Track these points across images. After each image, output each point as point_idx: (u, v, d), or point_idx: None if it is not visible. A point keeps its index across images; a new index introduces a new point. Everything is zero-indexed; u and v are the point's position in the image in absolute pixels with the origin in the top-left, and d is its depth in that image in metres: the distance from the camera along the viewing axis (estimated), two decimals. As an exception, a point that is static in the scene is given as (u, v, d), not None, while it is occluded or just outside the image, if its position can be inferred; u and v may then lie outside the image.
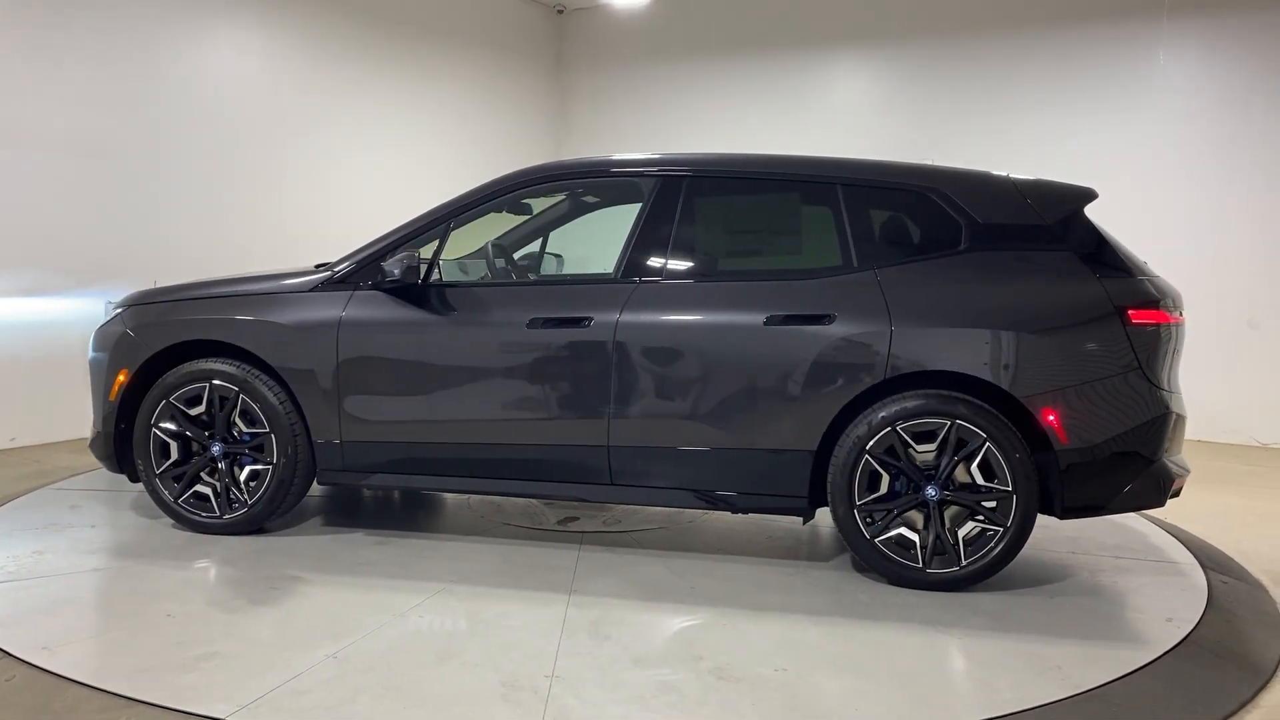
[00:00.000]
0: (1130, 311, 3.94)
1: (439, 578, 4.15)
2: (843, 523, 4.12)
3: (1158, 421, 3.97)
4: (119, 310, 4.92)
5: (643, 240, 4.40)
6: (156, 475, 4.67)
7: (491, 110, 10.10)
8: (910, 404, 4.01)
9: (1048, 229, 4.10)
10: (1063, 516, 4.05)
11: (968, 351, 3.99)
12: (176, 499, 4.68)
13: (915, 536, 4.07)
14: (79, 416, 6.93)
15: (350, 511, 5.32)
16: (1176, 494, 4.11)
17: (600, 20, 10.54)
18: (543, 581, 4.12)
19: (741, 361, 4.16)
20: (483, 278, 4.98)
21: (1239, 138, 7.55)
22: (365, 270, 4.54)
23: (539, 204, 5.20)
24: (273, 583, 4.07)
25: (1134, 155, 7.88)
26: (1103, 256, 4.06)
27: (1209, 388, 7.54)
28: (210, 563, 4.32)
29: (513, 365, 4.36)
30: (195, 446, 4.69)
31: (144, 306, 4.88)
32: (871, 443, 4.03)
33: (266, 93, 8.10)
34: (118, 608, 3.86)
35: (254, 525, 4.65)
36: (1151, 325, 3.96)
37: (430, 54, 9.47)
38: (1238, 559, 4.72)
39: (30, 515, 4.99)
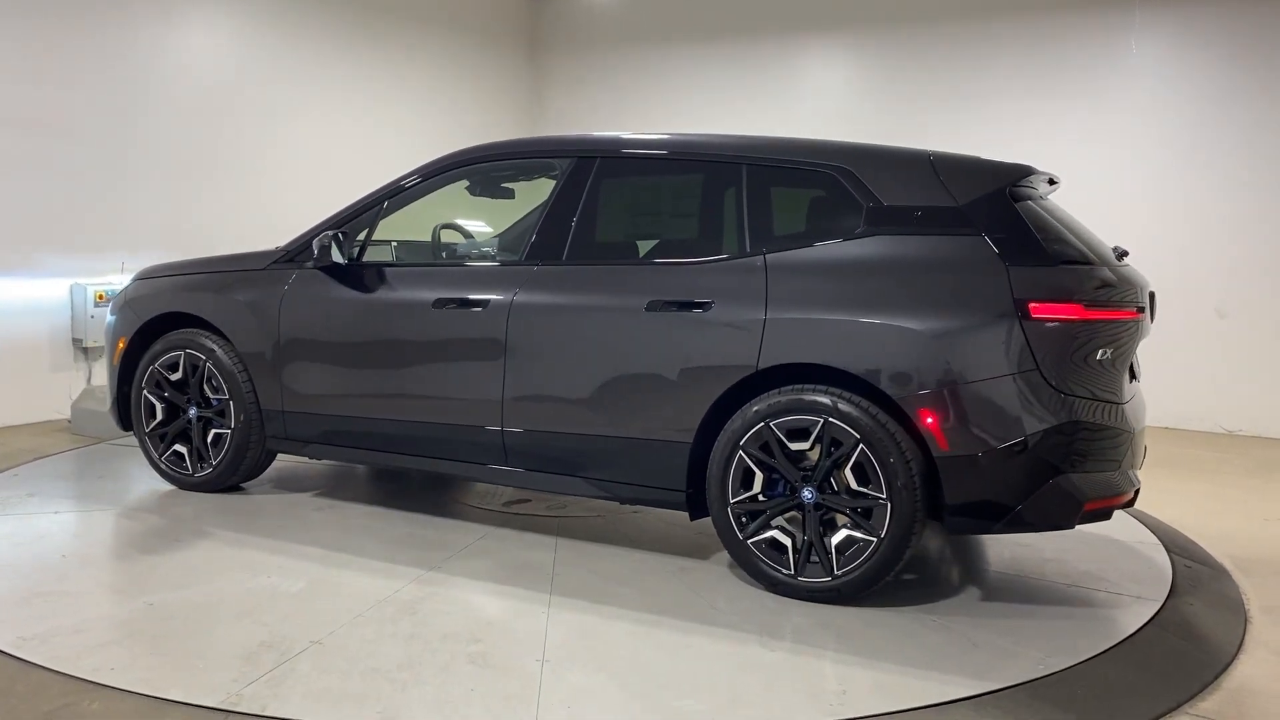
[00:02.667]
0: (1031, 305, 3.41)
1: (327, 545, 4.25)
2: (717, 521, 3.84)
3: (1061, 431, 3.41)
4: (131, 282, 5.30)
5: (548, 223, 4.25)
6: (146, 434, 5.05)
7: (466, 95, 9.95)
8: (784, 398, 3.66)
9: (957, 211, 3.61)
10: (949, 530, 3.63)
11: (841, 344, 3.59)
12: (160, 456, 5.02)
13: (788, 541, 3.69)
14: (43, 399, 6.85)
15: (342, 480, 5.42)
16: (1104, 516, 3.63)
17: (576, 4, 10.44)
18: (416, 558, 4.10)
19: (623, 348, 3.96)
20: (418, 259, 4.94)
21: (1210, 127, 7.54)
22: (308, 249, 4.65)
23: (526, 188, 5.03)
24: (178, 535, 4.36)
25: (1106, 144, 7.86)
26: (1020, 242, 3.53)
27: (1177, 376, 7.46)
28: (150, 514, 4.72)
29: (420, 345, 4.38)
30: (179, 410, 5.00)
31: (144, 280, 5.23)
32: (745, 438, 3.71)
33: (237, 75, 7.87)
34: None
35: (221, 484, 4.91)
36: (1056, 321, 3.42)
37: (404, 37, 9.25)
38: (1202, 544, 4.64)
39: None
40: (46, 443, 6.15)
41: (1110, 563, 4.30)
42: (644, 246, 4.38)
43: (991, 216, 3.60)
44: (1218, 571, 4.33)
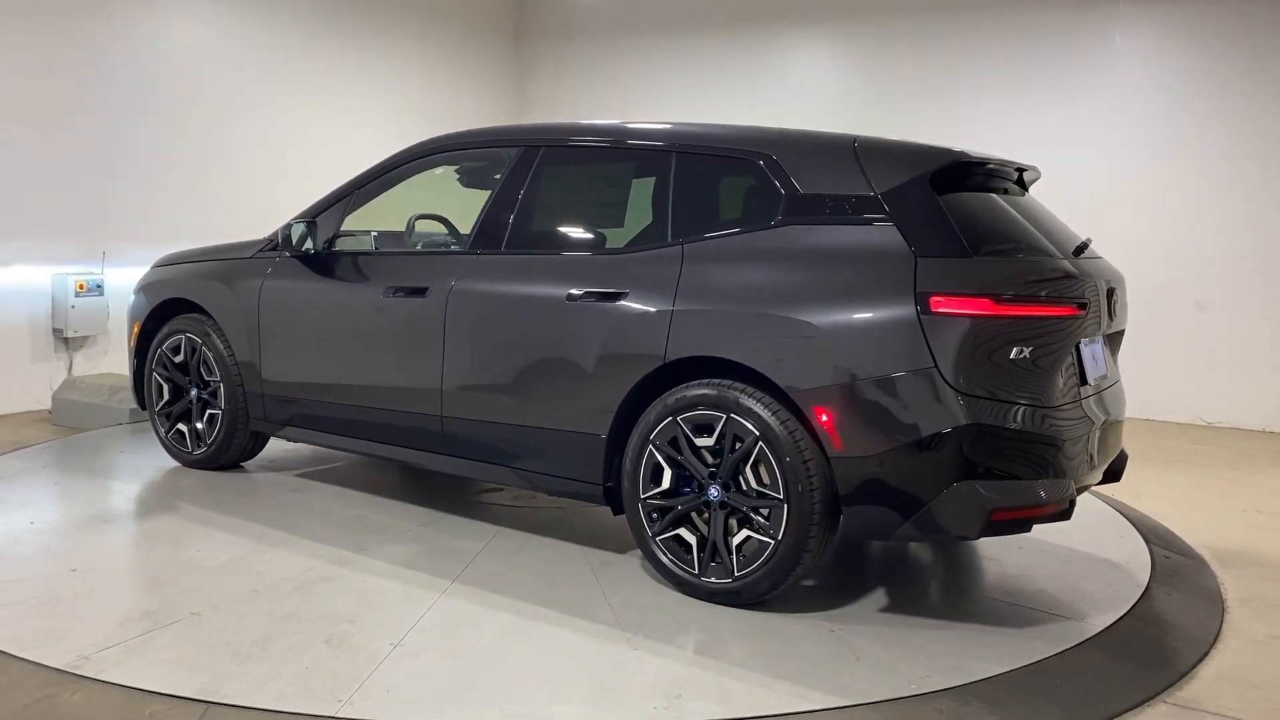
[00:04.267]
0: (933, 298, 3.18)
1: (273, 523, 4.40)
2: (630, 517, 3.74)
3: (961, 435, 3.16)
4: (150, 269, 5.56)
5: (491, 212, 4.25)
6: (155, 413, 5.32)
7: (448, 84, 9.87)
8: (689, 393, 3.54)
9: (874, 199, 3.41)
10: (848, 535, 3.44)
11: (741, 337, 3.46)
12: (166, 434, 5.28)
13: (693, 539, 3.58)
14: (23, 390, 6.79)
15: (339, 464, 5.49)
16: (1020, 527, 3.36)
17: (561, -5, 10.41)
18: (348, 540, 4.18)
19: (546, 338, 3.92)
20: (391, 248, 4.94)
21: (1192, 120, 7.57)
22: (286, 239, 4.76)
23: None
24: (147, 509, 4.69)
25: (1088, 136, 7.88)
26: (934, 231, 3.31)
27: (1156, 368, 7.50)
28: (132, 488, 5.03)
29: (373, 332, 4.46)
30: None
31: (159, 267, 5.48)
32: (655, 433, 3.61)
33: (218, 64, 7.79)
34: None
35: (216, 463, 5.16)
36: (960, 316, 3.16)
37: (387, 27, 9.17)
38: (1181, 534, 4.67)
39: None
40: (27, 434, 6.09)
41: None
42: (576, 236, 4.35)
43: (907, 205, 3.38)
44: (1196, 562, 4.36)
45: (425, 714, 2.77)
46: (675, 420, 3.57)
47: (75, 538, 4.21)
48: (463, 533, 4.35)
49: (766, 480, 3.40)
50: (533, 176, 4.22)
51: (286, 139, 8.34)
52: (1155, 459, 6.35)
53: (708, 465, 3.54)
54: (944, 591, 3.91)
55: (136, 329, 5.39)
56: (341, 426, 4.66)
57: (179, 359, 5.15)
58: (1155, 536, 4.64)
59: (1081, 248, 3.71)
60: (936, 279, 3.21)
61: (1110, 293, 3.72)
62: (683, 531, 3.60)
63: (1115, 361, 4.07)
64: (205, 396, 5.09)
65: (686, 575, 3.60)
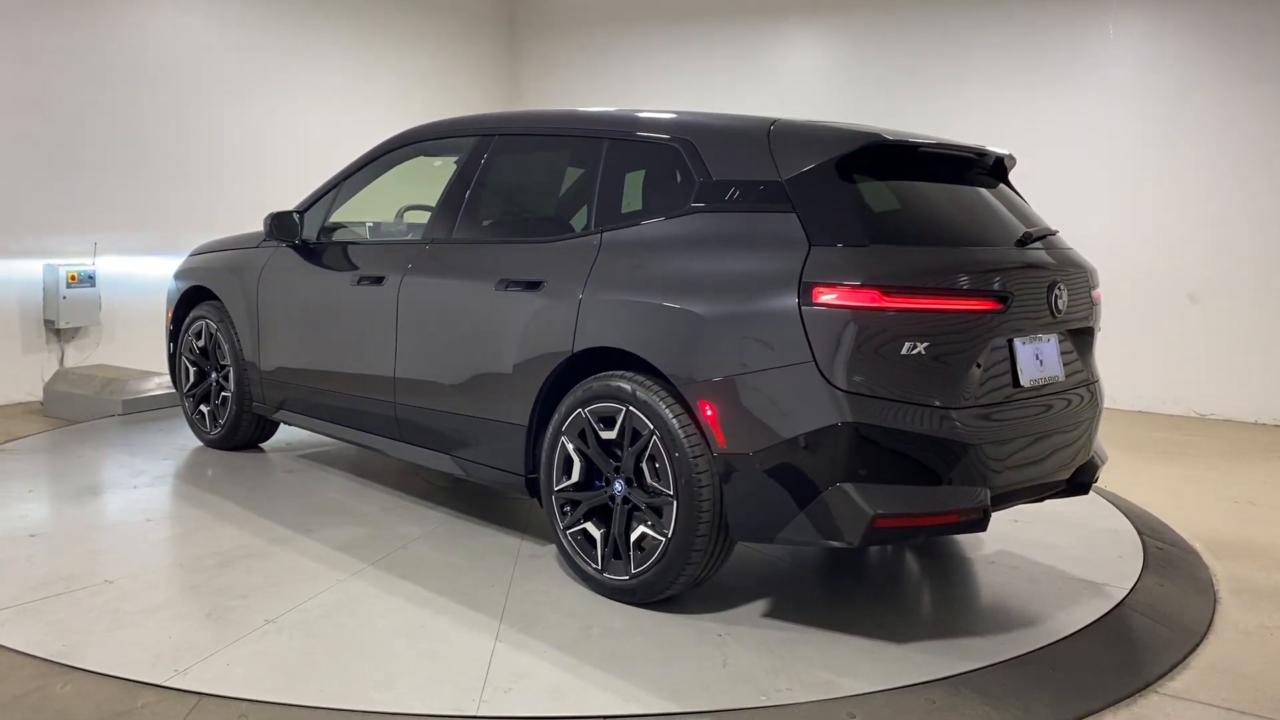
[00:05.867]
0: (816, 289, 2.99)
1: (241, 501, 4.59)
2: (546, 509, 3.69)
3: (836, 435, 2.97)
4: (187, 257, 5.79)
5: (444, 201, 4.26)
6: (184, 394, 5.58)
7: (441, 75, 9.81)
8: (596, 385, 3.46)
9: (779, 186, 3.23)
10: (734, 536, 3.26)
11: (639, 328, 3.37)
12: (191, 414, 5.55)
13: (598, 534, 3.50)
14: (13, 381, 6.75)
15: (353, 450, 5.52)
16: (908, 536, 3.18)
17: (556, -14, 10.36)
18: (298, 523, 4.28)
19: (477, 327, 3.91)
20: (379, 238, 5.08)
21: (1187, 112, 7.56)
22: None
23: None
24: (135, 483, 4.89)
25: (1082, 127, 7.86)
26: (833, 219, 3.13)
27: (1149, 359, 7.54)
28: (134, 462, 5.33)
29: (342, 319, 4.57)
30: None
31: (192, 255, 5.72)
32: (566, 424, 3.54)
33: (210, 53, 7.74)
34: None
35: (229, 444, 5.40)
36: (842, 308, 2.97)
37: (381, 17, 9.12)
38: (1174, 526, 4.68)
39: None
40: (18, 425, 6.07)
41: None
42: (511, 224, 4.39)
43: (809, 191, 3.19)
44: (1188, 553, 4.37)
45: (244, 688, 2.82)
46: (583, 412, 3.49)
47: (49, 509, 4.49)
48: (416, 518, 4.41)
49: (659, 476, 3.29)
50: (481, 166, 4.22)
51: (280, 130, 8.29)
52: (1147, 450, 6.36)
53: (614, 459, 3.45)
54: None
55: (170, 315, 5.66)
56: (320, 411, 4.77)
57: (201, 344, 5.39)
58: (1147, 527, 4.64)
59: (1028, 239, 3.46)
60: (821, 269, 3.02)
61: (1052, 286, 3.39)
62: (589, 526, 3.52)
63: (1088, 361, 3.74)
64: (220, 380, 5.31)
65: (590, 571, 3.53)
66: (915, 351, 3.00)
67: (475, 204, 4.21)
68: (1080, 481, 3.59)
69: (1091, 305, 3.71)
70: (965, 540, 4.31)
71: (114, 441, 5.71)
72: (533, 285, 3.72)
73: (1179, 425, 7.29)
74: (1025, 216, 3.67)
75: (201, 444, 5.55)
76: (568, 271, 3.63)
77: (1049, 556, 4.16)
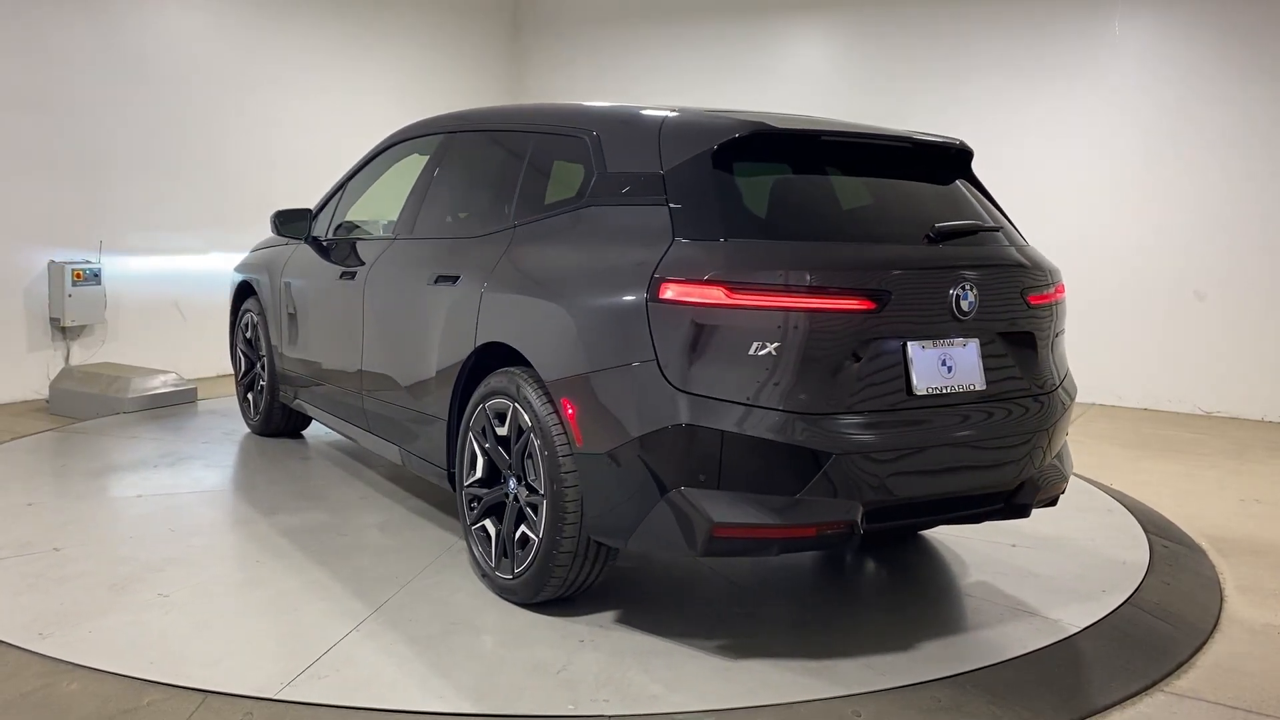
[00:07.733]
0: (663, 285, 2.87)
1: (238, 484, 4.83)
2: (458, 503, 3.67)
3: (673, 438, 2.83)
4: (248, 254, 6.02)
5: (410, 198, 4.36)
6: (237, 382, 5.94)
7: (444, 72, 9.80)
8: (494, 380, 3.41)
9: (658, 178, 3.12)
10: (593, 538, 3.14)
11: (518, 324, 3.34)
12: (240, 401, 5.91)
13: (494, 532, 3.44)
14: (19, 379, 6.76)
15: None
16: (759, 548, 2.97)
17: (559, -16, 10.35)
18: (270, 506, 4.45)
19: (413, 321, 3.95)
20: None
21: (1192, 109, 7.53)
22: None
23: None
24: (159, 459, 5.27)
25: (1087, 124, 7.84)
26: (700, 212, 2.99)
27: (1155, 357, 7.53)
28: (173, 442, 5.65)
29: (329, 313, 4.77)
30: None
31: (251, 252, 5.98)
32: (472, 420, 3.50)
33: (213, 51, 7.73)
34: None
35: (267, 430, 5.70)
36: (684, 305, 2.83)
37: (385, 14, 9.13)
38: (1179, 524, 4.66)
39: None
40: (23, 424, 6.07)
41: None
42: (451, 220, 4.39)
43: (683, 184, 3.07)
44: (1194, 551, 4.35)
45: (86, 653, 2.97)
46: (484, 408, 3.45)
47: (64, 477, 4.85)
48: (384, 507, 4.51)
49: (536, 474, 3.22)
50: (442, 164, 4.31)
51: (283, 127, 8.30)
52: (1153, 448, 6.35)
53: (508, 456, 3.39)
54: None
55: (231, 306, 5.98)
56: (320, 402, 4.98)
57: (248, 335, 5.74)
58: (1153, 525, 4.63)
59: (943, 235, 3.16)
60: (674, 264, 2.89)
61: (955, 286, 3.06)
62: (488, 523, 3.48)
63: (1036, 368, 3.34)
64: (261, 369, 5.61)
65: (485, 568, 3.49)
66: (766, 352, 2.81)
67: (431, 200, 4.29)
68: (1018, 503, 3.26)
69: (1028, 308, 3.29)
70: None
71: (130, 434, 5.73)
72: (452, 280, 3.74)
73: (1185, 423, 7.27)
74: (964, 213, 3.36)
75: (248, 430, 5.87)
76: (477, 267, 3.63)
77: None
